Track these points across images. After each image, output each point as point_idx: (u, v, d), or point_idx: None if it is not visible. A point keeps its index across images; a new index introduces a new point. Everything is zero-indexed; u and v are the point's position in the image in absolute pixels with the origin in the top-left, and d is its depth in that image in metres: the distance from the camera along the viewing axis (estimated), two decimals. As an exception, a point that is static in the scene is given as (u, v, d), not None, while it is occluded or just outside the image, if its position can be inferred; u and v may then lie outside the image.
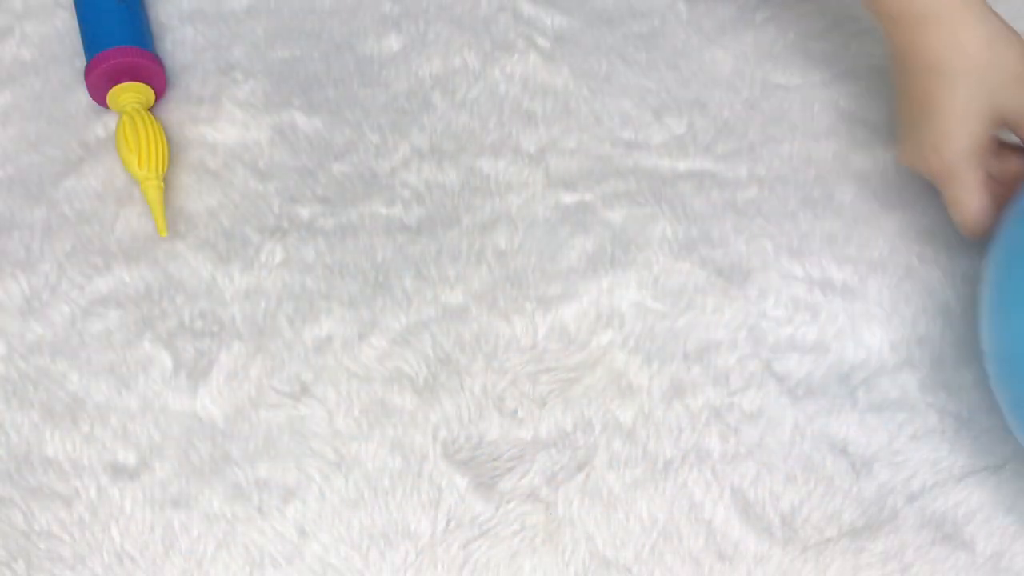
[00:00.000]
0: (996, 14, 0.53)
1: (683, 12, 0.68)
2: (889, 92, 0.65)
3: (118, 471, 0.55)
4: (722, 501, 0.54)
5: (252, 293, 0.59)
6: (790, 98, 0.65)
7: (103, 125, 0.64)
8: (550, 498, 0.54)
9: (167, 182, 0.62)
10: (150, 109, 0.64)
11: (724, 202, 0.62)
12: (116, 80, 0.62)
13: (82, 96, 0.65)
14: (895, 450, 0.56)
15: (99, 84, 0.62)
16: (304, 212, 0.61)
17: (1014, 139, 0.56)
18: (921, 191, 0.62)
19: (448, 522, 0.54)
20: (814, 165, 0.63)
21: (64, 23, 0.68)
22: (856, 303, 0.59)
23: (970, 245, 0.60)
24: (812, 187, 0.62)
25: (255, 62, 0.66)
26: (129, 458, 0.55)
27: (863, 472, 0.55)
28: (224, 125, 0.64)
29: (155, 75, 0.63)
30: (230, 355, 0.57)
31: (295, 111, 0.64)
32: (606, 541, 0.54)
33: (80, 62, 0.66)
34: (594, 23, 0.67)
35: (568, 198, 0.62)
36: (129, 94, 0.62)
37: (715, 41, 0.67)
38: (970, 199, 0.54)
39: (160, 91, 0.64)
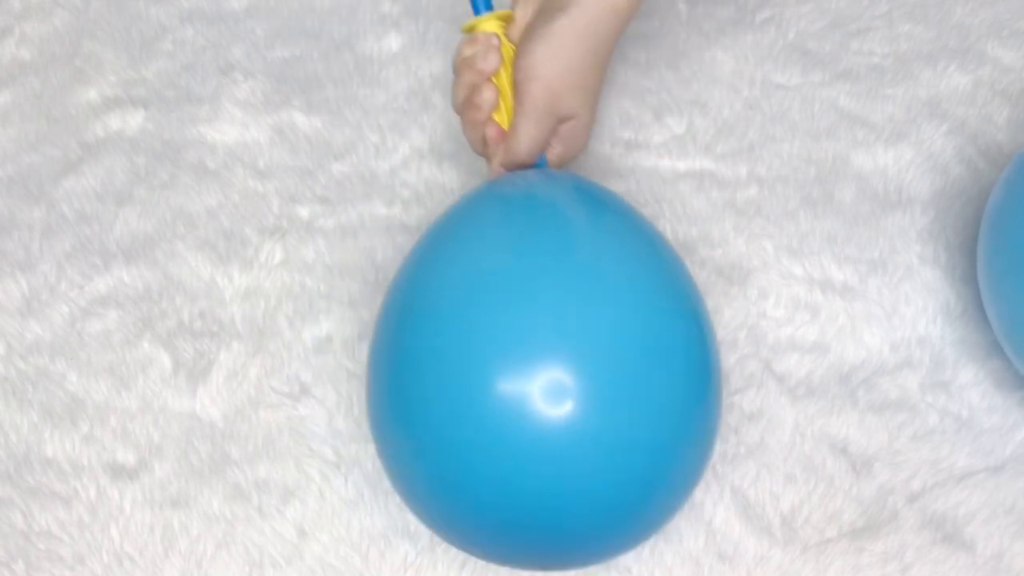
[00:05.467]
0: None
1: (683, 12, 0.68)
2: (889, 92, 0.65)
3: (117, 471, 0.55)
4: (722, 501, 0.54)
5: (252, 293, 0.59)
6: (790, 98, 0.65)
7: (103, 125, 0.64)
8: (550, 498, 0.54)
9: (171, 183, 0.62)
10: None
11: (724, 202, 0.62)
12: None
13: (82, 96, 0.65)
14: (895, 450, 0.56)
15: None
16: (304, 212, 0.61)
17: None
18: (921, 191, 0.62)
19: (448, 522, 0.54)
20: (814, 165, 0.63)
21: (64, 23, 0.68)
22: (856, 303, 0.59)
23: (970, 245, 0.60)
24: (812, 187, 0.62)
25: (255, 62, 0.66)
26: (128, 458, 0.55)
27: (863, 472, 0.55)
28: (224, 125, 0.64)
29: None
30: (230, 355, 0.57)
31: (295, 111, 0.64)
32: (606, 541, 0.54)
33: (80, 61, 0.66)
34: (594, 23, 0.67)
35: (568, 198, 0.62)
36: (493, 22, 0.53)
37: (715, 41, 0.67)
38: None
39: None
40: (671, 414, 0.40)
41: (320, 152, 0.63)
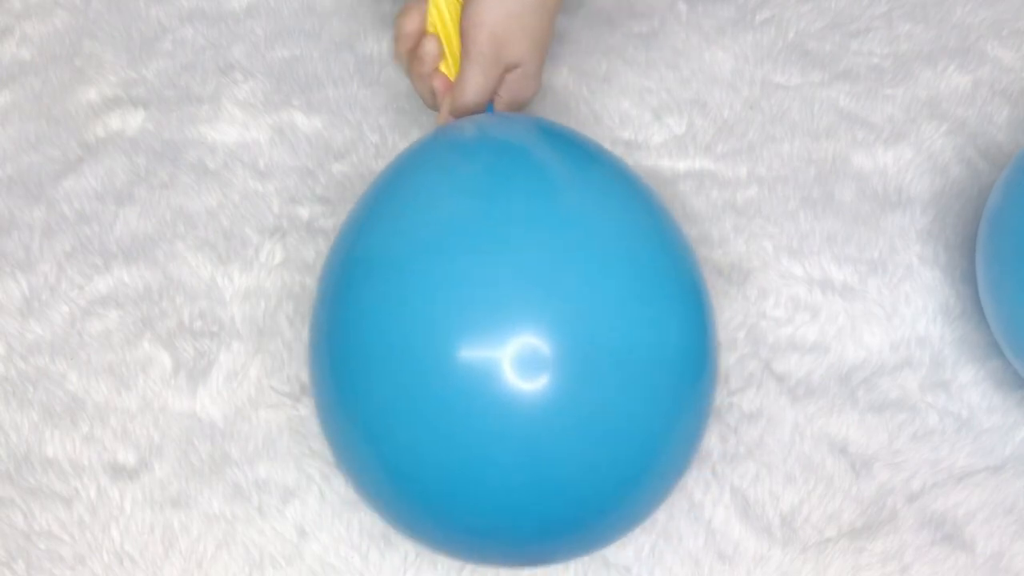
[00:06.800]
0: None
1: (683, 12, 0.68)
2: (889, 92, 0.65)
3: (118, 471, 0.55)
4: (722, 501, 0.54)
5: (252, 293, 0.59)
6: (790, 98, 0.65)
7: (103, 125, 0.64)
8: (550, 498, 0.54)
9: (171, 183, 0.62)
10: None
11: (724, 202, 0.62)
12: None
13: (82, 96, 0.65)
14: (895, 450, 0.56)
15: None
16: (304, 212, 0.61)
17: None
18: (921, 191, 0.62)
19: (448, 522, 0.54)
20: (814, 165, 0.63)
21: (64, 23, 0.68)
22: (856, 303, 0.59)
23: (970, 245, 0.60)
24: (812, 187, 0.62)
25: (255, 62, 0.66)
26: (129, 458, 0.55)
27: (863, 472, 0.55)
28: (224, 125, 0.64)
29: None
30: (230, 355, 0.57)
31: (295, 111, 0.64)
32: (606, 541, 0.54)
33: (80, 61, 0.66)
34: (594, 23, 0.67)
35: (568, 198, 0.62)
36: None
37: (715, 41, 0.67)
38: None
39: None
40: (661, 387, 0.34)
41: (320, 152, 0.63)
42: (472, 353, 0.31)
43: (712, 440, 0.55)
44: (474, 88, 0.51)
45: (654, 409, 0.34)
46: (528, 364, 0.31)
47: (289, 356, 0.57)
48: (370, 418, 0.34)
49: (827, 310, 0.59)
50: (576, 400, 0.32)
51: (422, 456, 0.33)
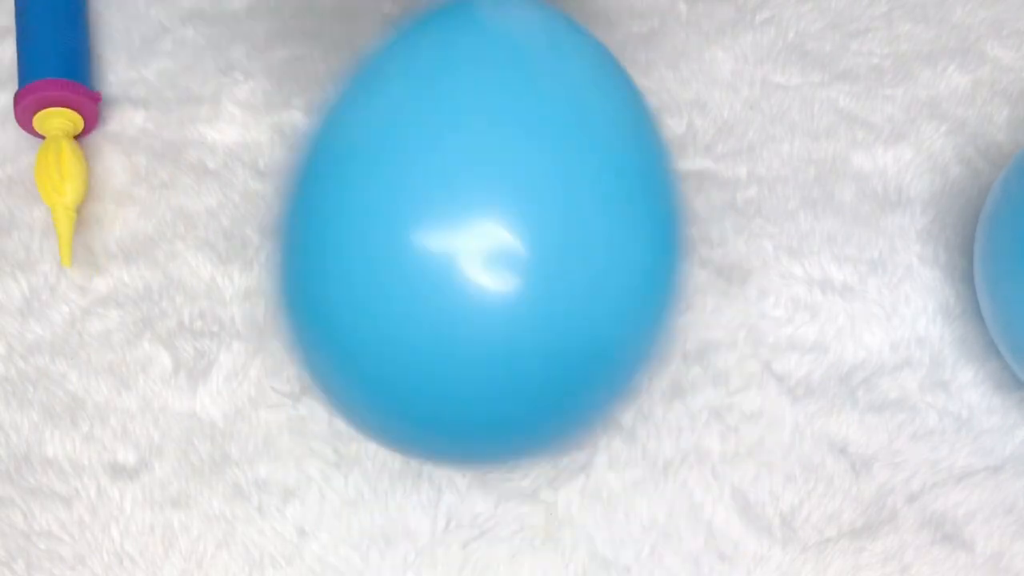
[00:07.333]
0: None
1: (683, 12, 0.68)
2: (889, 92, 0.65)
3: (118, 471, 0.55)
4: (722, 501, 0.54)
5: (252, 293, 0.59)
6: (790, 98, 0.65)
7: (102, 125, 0.64)
8: (550, 498, 0.54)
9: (171, 183, 0.62)
10: (87, 136, 0.62)
11: (724, 202, 0.62)
12: (43, 107, 0.59)
13: (82, 96, 0.65)
14: (895, 450, 0.56)
15: (26, 114, 0.60)
16: (304, 212, 0.61)
17: None
18: (921, 191, 0.62)
19: (448, 522, 0.54)
20: (814, 165, 0.63)
21: (64, 23, 0.67)
22: (856, 303, 0.59)
23: (970, 245, 0.60)
24: (812, 187, 0.62)
25: (255, 62, 0.66)
26: (129, 458, 0.55)
27: (863, 472, 0.55)
28: (224, 125, 0.64)
29: (85, 106, 0.60)
30: (230, 355, 0.57)
31: (295, 111, 0.64)
32: (606, 541, 0.54)
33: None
34: (594, 23, 0.67)
35: (568, 198, 0.62)
36: (56, 120, 0.59)
37: (715, 41, 0.67)
38: None
39: (91, 122, 0.62)
40: (631, 275, 0.33)
41: (320, 152, 0.63)
42: (432, 243, 0.31)
43: (712, 440, 0.56)
44: None
45: (624, 299, 0.34)
46: (491, 254, 0.31)
47: (289, 356, 0.57)
48: (329, 313, 0.34)
49: (827, 310, 0.59)
50: (541, 290, 0.31)
51: (380, 348, 0.33)
